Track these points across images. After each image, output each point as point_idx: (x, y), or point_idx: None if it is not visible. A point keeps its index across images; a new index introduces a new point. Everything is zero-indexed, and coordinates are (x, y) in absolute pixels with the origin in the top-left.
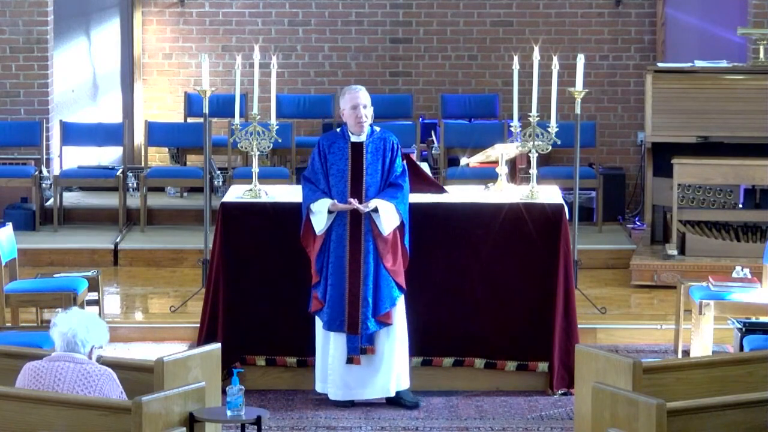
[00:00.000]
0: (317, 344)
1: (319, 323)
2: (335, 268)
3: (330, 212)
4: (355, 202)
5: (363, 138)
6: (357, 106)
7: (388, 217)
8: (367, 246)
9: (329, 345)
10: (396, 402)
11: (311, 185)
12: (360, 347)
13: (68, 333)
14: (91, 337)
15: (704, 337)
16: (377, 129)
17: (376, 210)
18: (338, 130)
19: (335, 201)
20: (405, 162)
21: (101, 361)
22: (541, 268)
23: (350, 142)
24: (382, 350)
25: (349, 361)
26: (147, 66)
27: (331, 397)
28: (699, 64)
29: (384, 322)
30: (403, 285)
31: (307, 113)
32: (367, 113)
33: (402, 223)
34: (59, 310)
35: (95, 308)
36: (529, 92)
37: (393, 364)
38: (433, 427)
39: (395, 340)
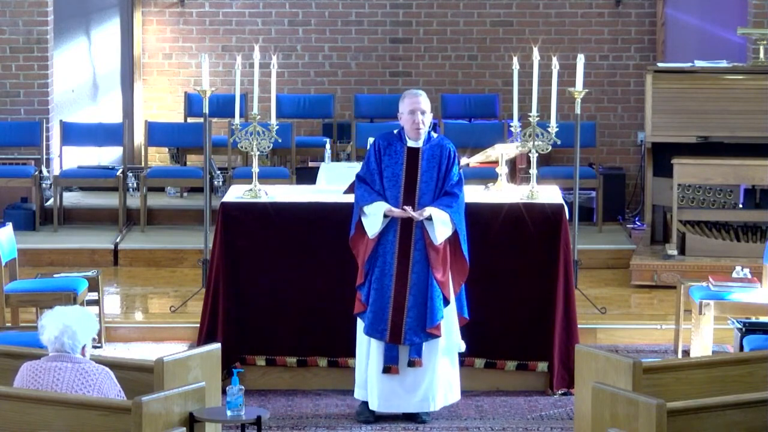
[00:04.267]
0: (358, 348)
1: (360, 327)
2: (381, 273)
3: (385, 216)
4: (410, 210)
5: (420, 144)
6: (415, 111)
7: (441, 226)
8: (415, 255)
9: (370, 352)
10: (410, 416)
11: (366, 186)
12: (409, 359)
13: (56, 343)
14: (80, 337)
15: (704, 337)
16: (435, 135)
17: (429, 218)
18: (395, 132)
19: (391, 207)
20: (461, 171)
21: (100, 361)
22: (541, 268)
23: (407, 146)
24: (427, 363)
25: (386, 370)
26: (147, 66)
27: (371, 407)
28: (699, 64)
29: (434, 334)
30: (449, 297)
31: (307, 113)
32: (425, 119)
33: (456, 233)
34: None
35: (95, 308)
36: (529, 92)
37: (435, 377)
38: (433, 427)
39: (439, 354)
